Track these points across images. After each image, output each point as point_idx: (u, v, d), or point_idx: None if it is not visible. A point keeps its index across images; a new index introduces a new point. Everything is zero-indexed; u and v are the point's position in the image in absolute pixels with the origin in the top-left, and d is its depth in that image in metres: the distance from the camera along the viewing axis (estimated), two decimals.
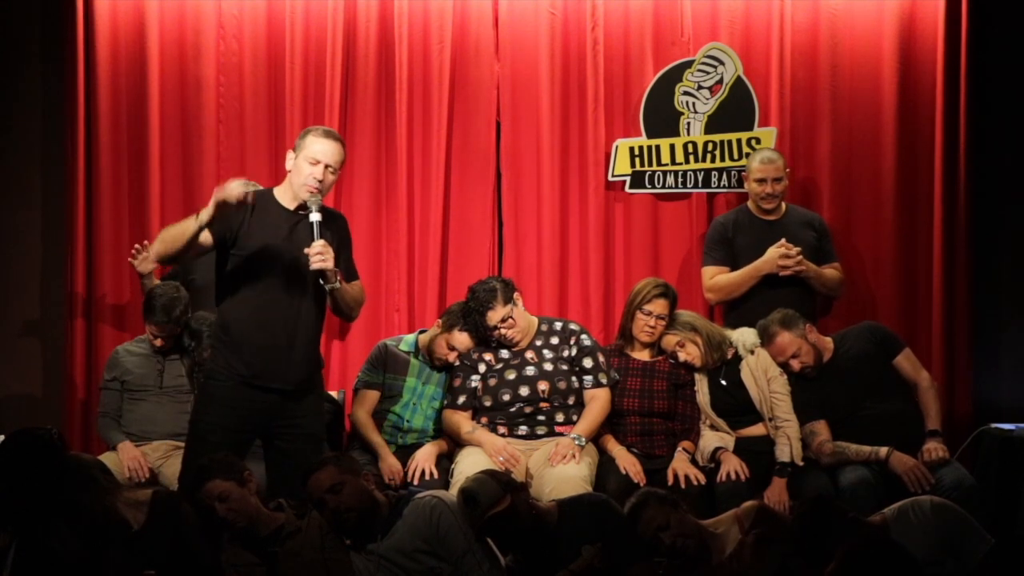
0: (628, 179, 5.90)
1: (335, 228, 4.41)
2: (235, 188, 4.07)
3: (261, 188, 4.43)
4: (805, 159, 5.92)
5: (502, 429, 5.02)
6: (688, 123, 5.89)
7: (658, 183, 5.90)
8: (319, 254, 4.18)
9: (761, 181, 5.44)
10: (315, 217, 4.22)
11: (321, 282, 4.26)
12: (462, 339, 5.10)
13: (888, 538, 3.75)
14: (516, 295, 5.08)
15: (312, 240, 4.21)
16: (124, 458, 5.02)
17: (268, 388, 4.30)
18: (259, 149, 5.93)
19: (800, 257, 5.32)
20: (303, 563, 3.95)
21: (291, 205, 4.36)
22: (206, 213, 4.09)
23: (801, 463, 4.92)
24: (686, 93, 5.88)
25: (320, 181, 4.27)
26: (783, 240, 5.33)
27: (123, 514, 3.92)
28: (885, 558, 3.33)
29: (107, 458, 4.80)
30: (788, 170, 5.55)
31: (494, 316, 5.00)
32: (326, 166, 4.29)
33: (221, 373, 4.31)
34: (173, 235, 4.18)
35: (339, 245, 4.36)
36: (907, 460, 4.82)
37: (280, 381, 4.31)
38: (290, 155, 4.37)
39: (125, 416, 5.20)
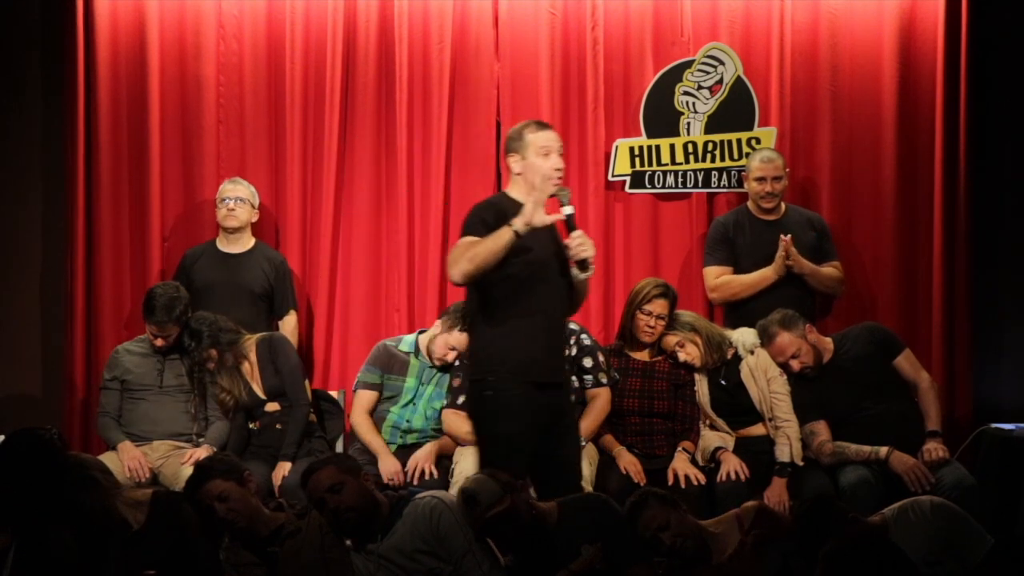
0: (628, 179, 5.90)
1: None
2: (543, 216, 4.07)
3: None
4: (805, 159, 5.92)
5: None
6: (688, 123, 5.89)
7: (658, 183, 5.90)
8: (581, 244, 4.15)
9: (761, 180, 5.44)
10: (568, 210, 4.18)
11: (577, 271, 4.23)
12: (462, 339, 5.10)
13: (877, 536, 3.75)
14: None
15: (569, 232, 4.18)
16: (124, 458, 5.03)
17: (549, 384, 4.24)
18: (259, 149, 5.93)
19: (793, 251, 5.31)
20: (303, 563, 3.95)
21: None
22: (521, 226, 4.02)
23: (801, 463, 4.93)
24: (686, 93, 5.88)
25: (559, 169, 4.25)
26: (786, 237, 5.32)
27: (123, 514, 3.92)
28: (874, 556, 3.33)
29: (107, 458, 4.79)
30: (788, 170, 5.55)
31: None
32: (558, 153, 4.26)
33: (508, 380, 4.17)
34: (488, 249, 4.06)
35: None
36: (907, 460, 4.83)
37: (557, 376, 4.29)
38: (513, 158, 4.27)
39: (125, 416, 5.20)
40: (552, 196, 4.18)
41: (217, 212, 5.62)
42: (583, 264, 4.18)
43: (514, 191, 4.29)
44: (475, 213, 4.28)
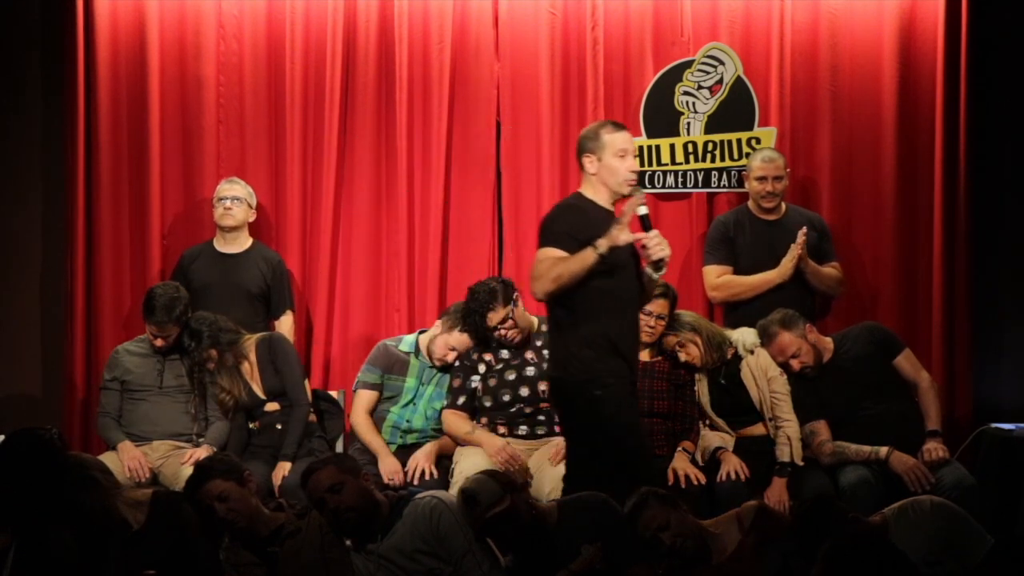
0: None
1: None
2: (628, 236, 4.14)
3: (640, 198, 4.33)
4: (805, 159, 5.92)
5: (502, 429, 5.02)
6: (688, 123, 5.89)
7: (658, 183, 5.90)
8: (658, 244, 4.19)
9: (762, 179, 5.45)
10: (644, 210, 4.23)
11: (651, 270, 4.28)
12: (462, 339, 5.10)
13: (877, 536, 3.74)
14: (516, 295, 5.08)
15: (645, 232, 4.22)
16: (124, 458, 5.02)
17: (632, 381, 4.36)
18: (259, 149, 5.93)
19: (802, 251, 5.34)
20: (303, 563, 3.95)
21: (608, 205, 4.33)
22: (605, 248, 4.10)
23: (801, 463, 4.92)
24: (686, 93, 5.88)
25: (635, 171, 4.30)
26: (802, 232, 5.32)
27: (123, 514, 3.92)
28: (874, 556, 3.32)
29: (107, 458, 4.79)
30: (788, 170, 5.55)
31: (494, 317, 5.00)
32: (634, 155, 4.32)
33: (611, 382, 4.24)
34: (571, 271, 4.14)
35: None
36: (907, 460, 4.83)
37: (635, 374, 4.39)
38: (589, 158, 4.30)
39: (125, 416, 5.20)
40: (628, 197, 4.25)
41: (214, 212, 5.63)
42: (658, 264, 4.23)
43: (588, 191, 4.34)
44: (556, 222, 4.30)
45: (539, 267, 4.23)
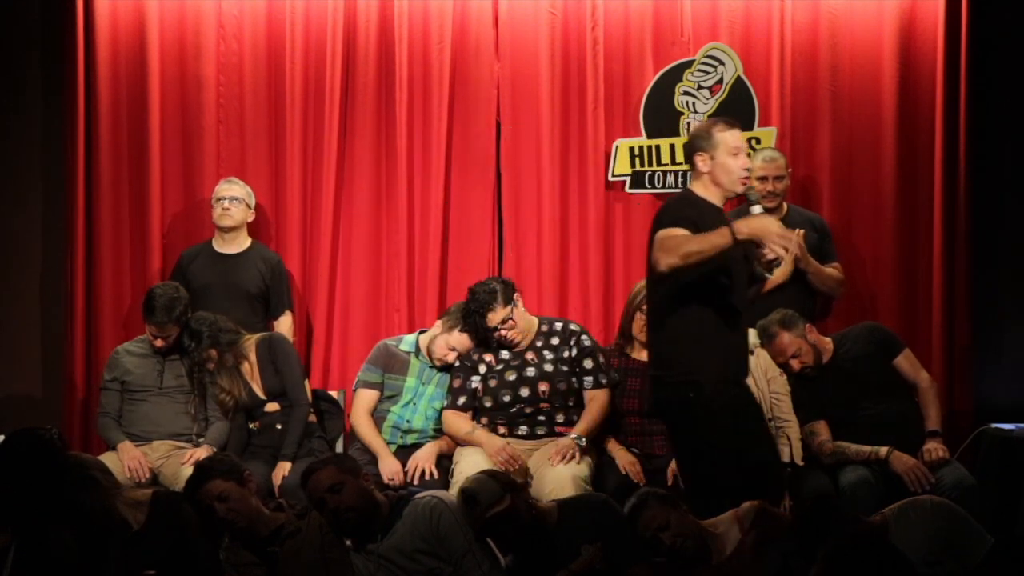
0: (628, 179, 5.90)
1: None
2: (778, 225, 4.10)
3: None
4: (805, 159, 5.92)
5: (502, 429, 5.02)
6: (688, 123, 5.89)
7: (658, 183, 5.90)
8: (785, 238, 4.11)
9: (763, 179, 5.44)
10: (758, 209, 4.21)
11: (762, 271, 4.25)
12: (462, 340, 5.10)
13: (877, 536, 3.74)
14: (516, 296, 5.08)
15: None
16: (124, 458, 5.02)
17: (739, 383, 4.27)
18: (259, 149, 5.93)
19: (803, 246, 5.32)
20: (303, 563, 3.95)
21: (719, 202, 4.29)
22: (745, 232, 4.01)
23: (801, 463, 4.92)
24: (686, 93, 5.88)
25: (749, 169, 4.26)
26: (799, 232, 5.31)
27: (123, 514, 3.92)
28: (874, 556, 3.32)
29: (107, 458, 4.79)
30: (790, 170, 5.55)
31: (495, 317, 5.00)
32: (747, 153, 4.28)
33: (708, 383, 4.16)
34: (701, 252, 3.99)
35: None
36: (907, 460, 4.83)
37: (744, 374, 4.29)
38: (701, 156, 4.25)
39: (125, 416, 5.20)
40: (741, 196, 4.23)
41: (213, 212, 5.63)
42: (771, 265, 4.19)
43: (699, 189, 4.29)
44: (678, 209, 4.23)
45: (667, 242, 4.06)
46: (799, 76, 5.91)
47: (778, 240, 4.04)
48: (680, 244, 4.03)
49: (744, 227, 4.01)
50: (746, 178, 4.25)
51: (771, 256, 4.13)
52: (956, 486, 4.73)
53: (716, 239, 4.01)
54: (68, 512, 3.85)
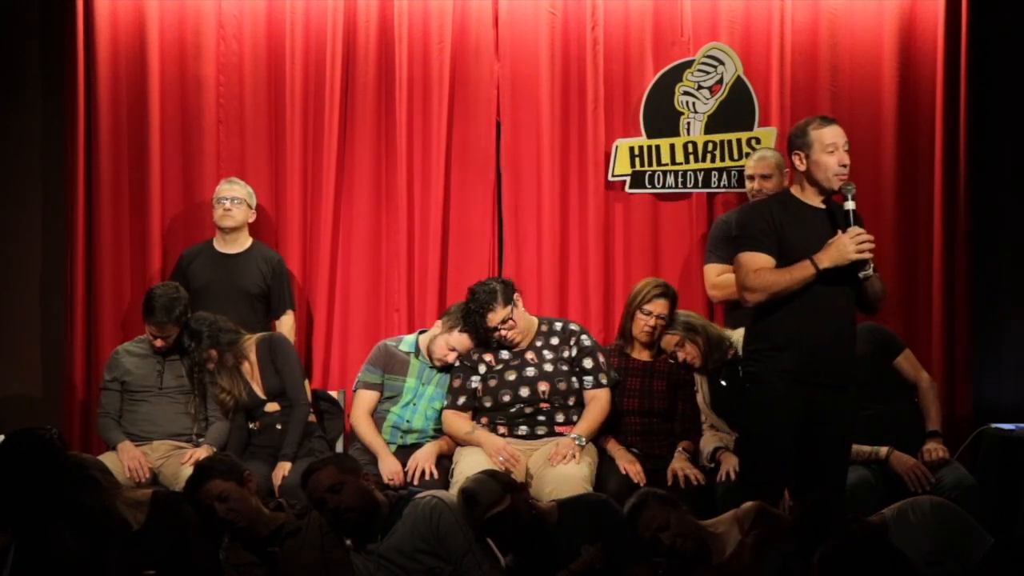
0: (628, 179, 5.90)
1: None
2: (854, 251, 4.11)
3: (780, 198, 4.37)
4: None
5: (502, 429, 5.02)
6: (688, 123, 5.89)
7: (658, 183, 5.90)
8: (861, 243, 4.13)
9: (750, 178, 5.46)
10: (850, 205, 4.19)
11: (858, 271, 4.20)
12: (462, 340, 5.10)
13: (877, 536, 3.74)
14: (516, 296, 5.07)
15: (845, 228, 4.17)
16: (124, 458, 5.02)
17: (814, 384, 4.22)
18: (259, 149, 5.94)
19: None
20: (303, 563, 3.95)
21: (817, 201, 4.28)
22: (827, 263, 4.10)
23: None
24: (686, 93, 5.88)
25: (845, 164, 4.25)
26: None
27: (123, 514, 3.92)
28: (873, 556, 3.32)
29: (107, 458, 4.79)
30: (787, 169, 5.54)
31: (494, 318, 5.00)
32: (843, 147, 4.27)
33: (768, 375, 4.23)
34: (783, 287, 4.14)
35: None
36: (907, 460, 4.83)
37: (824, 376, 4.23)
38: (798, 156, 4.27)
39: (125, 416, 5.20)
40: (837, 192, 4.22)
41: (213, 212, 5.63)
42: (859, 265, 4.17)
43: (796, 190, 4.32)
44: (751, 222, 4.30)
45: (752, 278, 4.20)
46: (799, 76, 5.91)
47: (857, 249, 4.11)
48: (766, 281, 4.17)
49: (824, 258, 4.12)
50: (843, 175, 4.23)
51: (866, 268, 4.16)
52: (956, 486, 4.73)
53: (799, 273, 4.14)
54: (68, 512, 3.85)
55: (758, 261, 4.20)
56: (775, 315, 4.22)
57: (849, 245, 4.11)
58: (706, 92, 5.88)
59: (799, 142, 4.27)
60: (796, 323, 4.20)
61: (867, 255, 4.14)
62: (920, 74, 5.88)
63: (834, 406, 4.24)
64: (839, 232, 4.16)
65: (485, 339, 5.07)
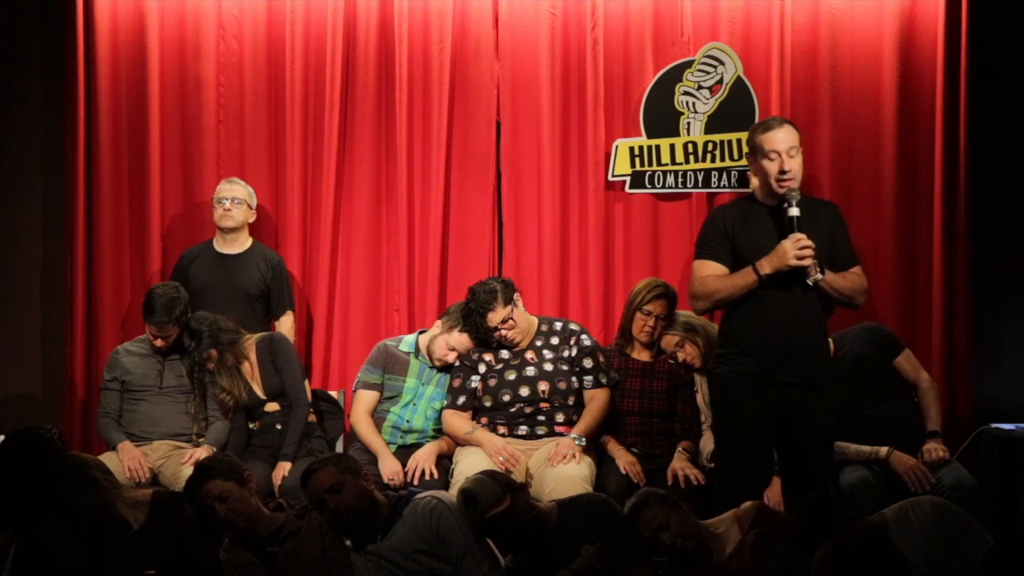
0: (628, 179, 5.90)
1: (824, 215, 4.42)
2: (794, 257, 4.17)
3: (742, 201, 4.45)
4: (805, 159, 5.83)
5: (502, 429, 5.02)
6: (688, 123, 5.89)
7: (658, 183, 5.90)
8: (801, 249, 4.17)
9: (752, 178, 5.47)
10: (793, 212, 4.23)
11: (805, 277, 4.24)
12: (462, 340, 5.11)
13: (877, 536, 3.74)
14: (516, 296, 5.08)
15: (790, 233, 4.21)
16: (124, 458, 5.02)
17: (780, 384, 4.26)
18: (259, 149, 5.94)
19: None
20: (303, 563, 3.95)
21: (776, 201, 4.33)
22: (768, 270, 4.18)
23: None
24: (686, 93, 5.88)
25: (785, 171, 4.26)
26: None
27: (123, 514, 3.92)
28: (872, 556, 3.32)
29: (107, 458, 4.80)
30: None
31: (495, 317, 5.00)
32: (786, 153, 4.28)
33: (733, 377, 4.31)
34: (727, 294, 4.27)
35: (832, 231, 4.38)
36: (907, 460, 4.83)
37: (787, 376, 4.26)
38: (750, 160, 4.38)
39: (125, 416, 5.20)
40: (784, 197, 4.25)
41: (214, 212, 5.63)
42: (804, 272, 4.21)
43: (757, 191, 4.40)
44: (705, 232, 4.42)
45: (695, 285, 4.35)
46: (799, 76, 5.90)
47: (797, 255, 4.17)
48: (708, 288, 4.29)
49: (766, 264, 4.20)
50: (782, 180, 4.26)
51: (811, 273, 4.21)
52: (956, 486, 4.73)
53: (742, 280, 4.24)
54: (68, 512, 3.85)
55: (707, 269, 4.32)
56: (738, 319, 4.30)
57: (790, 251, 4.16)
58: (706, 92, 5.88)
59: (749, 146, 4.37)
60: (758, 326, 4.26)
61: (808, 261, 4.18)
62: (920, 74, 5.88)
63: (807, 405, 4.27)
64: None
65: (485, 339, 5.07)
